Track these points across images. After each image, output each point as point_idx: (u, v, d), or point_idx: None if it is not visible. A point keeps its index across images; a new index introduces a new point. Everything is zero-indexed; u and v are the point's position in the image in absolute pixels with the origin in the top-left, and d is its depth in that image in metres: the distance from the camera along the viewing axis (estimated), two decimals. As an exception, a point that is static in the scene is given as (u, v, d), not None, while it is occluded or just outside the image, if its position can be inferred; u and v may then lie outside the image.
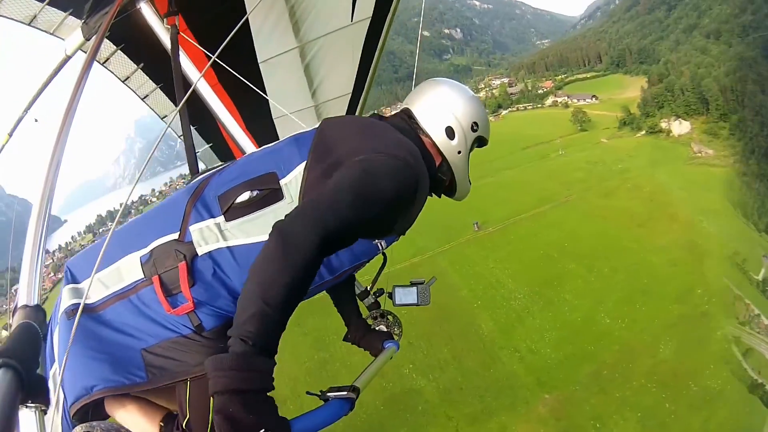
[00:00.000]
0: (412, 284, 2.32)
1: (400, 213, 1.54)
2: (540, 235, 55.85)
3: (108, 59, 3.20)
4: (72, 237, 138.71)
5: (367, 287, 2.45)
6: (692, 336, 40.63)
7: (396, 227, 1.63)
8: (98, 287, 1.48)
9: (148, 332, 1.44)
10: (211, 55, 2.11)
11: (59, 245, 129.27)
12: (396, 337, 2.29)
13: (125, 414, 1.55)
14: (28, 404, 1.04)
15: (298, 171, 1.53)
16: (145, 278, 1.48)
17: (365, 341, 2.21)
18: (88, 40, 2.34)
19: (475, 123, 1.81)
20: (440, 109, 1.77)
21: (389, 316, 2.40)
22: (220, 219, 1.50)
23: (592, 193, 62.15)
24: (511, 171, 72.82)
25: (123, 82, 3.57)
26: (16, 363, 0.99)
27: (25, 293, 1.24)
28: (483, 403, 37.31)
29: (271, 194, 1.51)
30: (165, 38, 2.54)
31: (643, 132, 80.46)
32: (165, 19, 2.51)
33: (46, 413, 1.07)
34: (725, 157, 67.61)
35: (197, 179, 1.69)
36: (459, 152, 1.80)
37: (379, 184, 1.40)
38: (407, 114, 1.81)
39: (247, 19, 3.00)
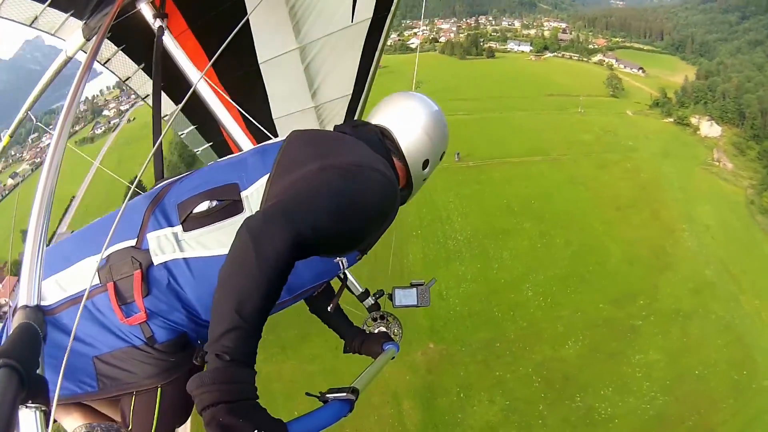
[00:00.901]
0: (412, 285, 2.33)
1: (375, 229, 1.48)
2: (513, 184, 52.78)
3: (109, 60, 3.20)
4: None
5: (366, 288, 2.46)
6: (608, 346, 35.19)
7: (363, 244, 1.56)
8: (55, 289, 1.44)
9: (100, 340, 1.41)
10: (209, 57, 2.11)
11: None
12: (396, 338, 2.29)
13: (71, 421, 1.54)
14: (28, 404, 1.03)
15: (261, 183, 1.47)
16: (100, 284, 1.43)
17: (365, 348, 2.21)
18: (88, 40, 2.34)
19: (443, 153, 1.87)
20: (424, 141, 1.77)
21: (389, 318, 2.40)
22: (178, 229, 1.46)
23: (588, 160, 57.80)
24: (522, 113, 68.39)
25: (124, 82, 3.57)
26: (16, 363, 0.98)
27: (25, 293, 1.24)
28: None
29: (231, 206, 1.46)
30: (165, 39, 2.55)
31: (671, 119, 75.20)
32: (154, 21, 2.50)
33: (46, 413, 1.07)
34: (741, 178, 59.89)
35: (159, 185, 1.65)
36: (424, 179, 1.86)
37: (364, 197, 1.35)
38: (383, 133, 1.75)
39: (247, 20, 3.00)
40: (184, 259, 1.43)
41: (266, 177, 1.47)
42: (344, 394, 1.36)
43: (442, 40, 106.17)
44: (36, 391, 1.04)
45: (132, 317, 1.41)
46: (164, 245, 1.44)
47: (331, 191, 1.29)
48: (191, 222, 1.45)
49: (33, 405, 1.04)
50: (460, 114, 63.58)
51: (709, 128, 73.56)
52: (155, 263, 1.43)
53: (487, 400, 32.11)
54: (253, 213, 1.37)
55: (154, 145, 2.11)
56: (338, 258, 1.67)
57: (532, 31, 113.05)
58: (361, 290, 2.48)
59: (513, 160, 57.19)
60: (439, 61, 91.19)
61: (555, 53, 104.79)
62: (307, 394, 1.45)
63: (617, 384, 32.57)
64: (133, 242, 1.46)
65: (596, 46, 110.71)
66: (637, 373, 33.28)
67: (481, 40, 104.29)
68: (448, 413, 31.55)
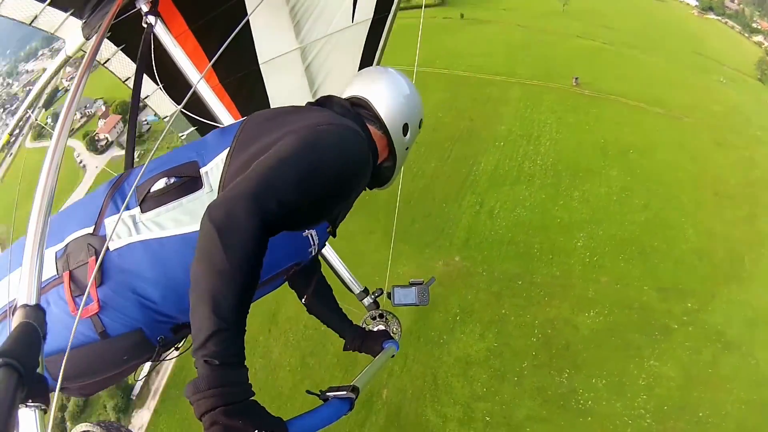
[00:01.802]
0: (411, 284, 2.34)
1: (345, 192, 1.39)
2: (619, 126, 46.69)
3: (109, 59, 3.20)
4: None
5: (365, 287, 2.47)
6: (628, 335, 30.62)
7: (335, 210, 1.50)
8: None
9: (52, 336, 1.30)
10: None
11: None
12: (395, 336, 2.30)
13: None
14: (29, 404, 1.04)
15: (221, 158, 1.42)
16: (57, 275, 1.38)
17: (365, 346, 2.20)
18: (88, 40, 2.34)
19: (421, 120, 1.83)
20: (401, 104, 1.71)
21: (388, 316, 2.41)
22: (136, 211, 1.40)
23: (707, 132, 49.16)
24: (661, 59, 60.67)
25: (123, 82, 3.57)
26: (16, 363, 0.98)
27: (25, 293, 1.24)
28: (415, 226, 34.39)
29: (190, 182, 1.40)
30: (166, 39, 2.55)
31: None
32: (146, 17, 2.48)
33: (46, 413, 1.07)
34: None
35: (122, 174, 1.60)
36: (407, 149, 1.80)
37: (328, 154, 1.28)
38: (358, 102, 1.69)
39: (248, 21, 3.01)
40: (141, 242, 1.37)
41: (225, 152, 1.42)
42: (344, 392, 1.36)
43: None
44: (36, 391, 1.04)
45: (84, 308, 1.33)
46: (120, 229, 1.38)
47: (292, 159, 1.22)
48: (149, 202, 1.40)
49: (33, 404, 1.04)
50: (600, 41, 60.59)
51: None
52: (111, 249, 1.36)
53: (478, 334, 30.22)
54: (215, 196, 1.34)
55: (128, 137, 2.18)
56: (307, 232, 1.60)
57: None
58: (360, 289, 2.49)
59: (630, 102, 50.88)
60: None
61: (719, 17, 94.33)
62: (308, 392, 1.46)
63: (613, 380, 29.07)
64: (90, 229, 1.41)
65: (759, 27, 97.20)
66: (641, 380, 29.16)
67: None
68: (435, 330, 30.53)
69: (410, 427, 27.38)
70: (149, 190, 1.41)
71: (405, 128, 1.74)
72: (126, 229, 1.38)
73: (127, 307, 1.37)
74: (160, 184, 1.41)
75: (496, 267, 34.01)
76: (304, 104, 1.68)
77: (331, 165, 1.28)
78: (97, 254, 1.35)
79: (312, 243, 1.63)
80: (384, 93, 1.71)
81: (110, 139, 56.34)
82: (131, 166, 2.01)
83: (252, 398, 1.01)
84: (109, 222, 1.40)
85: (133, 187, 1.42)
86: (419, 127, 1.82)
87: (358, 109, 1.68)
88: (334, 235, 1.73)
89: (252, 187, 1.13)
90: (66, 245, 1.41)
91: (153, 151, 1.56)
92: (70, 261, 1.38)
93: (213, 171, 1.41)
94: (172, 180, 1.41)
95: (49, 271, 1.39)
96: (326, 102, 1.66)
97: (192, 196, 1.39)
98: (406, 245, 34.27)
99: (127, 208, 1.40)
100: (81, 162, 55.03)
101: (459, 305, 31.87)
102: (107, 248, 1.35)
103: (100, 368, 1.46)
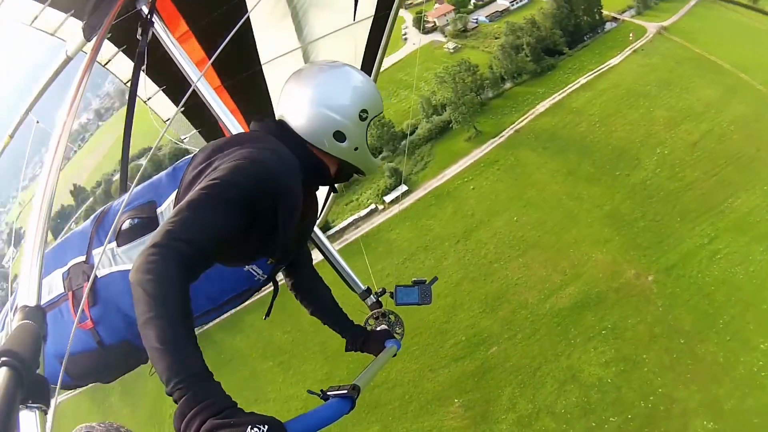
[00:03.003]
0: (414, 284, 2.33)
1: (266, 223, 1.42)
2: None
3: (109, 61, 3.20)
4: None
5: (368, 287, 2.46)
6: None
7: (263, 246, 1.53)
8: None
9: (65, 340, 1.51)
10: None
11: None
12: (397, 336, 2.29)
13: None
14: (29, 404, 1.03)
15: (171, 199, 1.60)
16: (65, 292, 1.68)
17: (367, 346, 2.20)
18: (88, 41, 2.34)
19: (363, 111, 1.64)
20: (318, 114, 1.59)
21: (391, 316, 2.40)
22: (113, 244, 1.64)
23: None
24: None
25: (125, 84, 3.57)
26: (16, 363, 0.98)
27: (25, 293, 1.24)
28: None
29: (149, 222, 1.61)
30: (166, 39, 2.54)
31: None
32: (142, 19, 2.48)
33: (46, 413, 1.06)
34: None
35: (102, 208, 1.85)
36: (356, 149, 1.67)
37: (234, 190, 1.30)
38: (282, 126, 1.65)
39: (249, 20, 3.00)
40: (119, 271, 1.62)
41: (174, 193, 1.59)
42: (345, 391, 1.35)
43: None
44: (36, 391, 1.04)
45: (84, 323, 1.63)
46: (103, 260, 1.63)
47: (202, 198, 1.27)
48: (122, 238, 1.64)
49: (33, 405, 1.04)
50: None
51: None
52: (99, 276, 1.63)
53: (603, 360, 28.43)
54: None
55: (124, 140, 2.40)
56: (246, 267, 1.73)
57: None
58: (363, 288, 2.49)
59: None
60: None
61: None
62: (309, 392, 1.46)
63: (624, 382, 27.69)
64: (83, 258, 1.70)
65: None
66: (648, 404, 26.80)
67: None
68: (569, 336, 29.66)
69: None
70: (119, 228, 1.64)
71: (338, 135, 1.62)
72: (107, 260, 1.63)
73: (115, 323, 1.64)
74: (126, 224, 1.64)
75: (676, 311, 30.30)
76: (248, 130, 1.72)
77: (239, 200, 1.31)
78: (88, 280, 1.61)
79: (256, 274, 1.76)
80: (297, 110, 1.62)
81: (437, 24, 63.03)
82: (125, 190, 2.28)
83: (236, 405, 1.02)
84: (95, 253, 1.68)
85: (115, 223, 1.65)
86: (362, 119, 1.65)
87: (286, 132, 1.62)
88: (283, 263, 1.90)
89: (164, 231, 1.19)
90: (69, 269, 1.71)
91: (151, 153, 1.56)
92: (72, 282, 1.68)
93: (166, 212, 1.60)
94: (136, 221, 1.63)
95: (59, 288, 1.70)
96: (262, 128, 1.66)
97: (151, 235, 1.45)
98: (618, 234, 34.49)
99: (110, 240, 1.64)
100: (405, 34, 62.36)
101: (612, 321, 30.22)
102: (95, 276, 1.61)
103: (101, 370, 1.78)
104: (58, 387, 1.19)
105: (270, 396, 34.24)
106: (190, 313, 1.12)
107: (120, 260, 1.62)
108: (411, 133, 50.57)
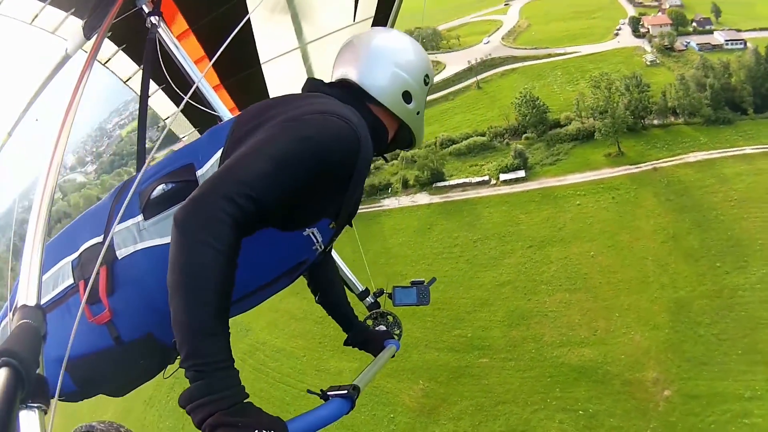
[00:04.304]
0: (412, 285, 2.34)
1: (331, 181, 1.33)
2: None
3: (109, 59, 3.20)
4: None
5: (366, 287, 2.47)
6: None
7: (329, 206, 1.42)
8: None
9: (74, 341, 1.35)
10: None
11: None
12: (396, 337, 2.30)
13: None
14: (29, 404, 1.03)
15: (215, 159, 1.38)
16: (74, 284, 1.42)
17: (366, 343, 2.20)
18: (89, 40, 2.33)
19: (426, 76, 1.65)
20: (390, 73, 1.56)
21: (389, 317, 2.41)
22: (139, 218, 1.40)
23: None
24: None
25: (125, 83, 3.56)
26: (16, 362, 0.98)
27: (25, 293, 1.24)
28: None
29: (186, 187, 1.35)
30: (166, 39, 2.54)
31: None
32: (147, 19, 2.47)
33: (46, 413, 1.06)
34: None
35: (123, 181, 1.62)
36: (418, 113, 1.67)
37: (302, 145, 1.20)
38: (347, 84, 1.59)
39: (249, 20, 3.00)
40: (144, 249, 1.38)
41: (220, 151, 1.38)
42: (345, 391, 1.36)
43: None
44: (36, 391, 1.04)
45: (98, 316, 1.37)
46: (126, 238, 1.39)
47: (270, 149, 1.18)
48: (150, 209, 1.40)
49: (33, 405, 1.04)
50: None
51: None
52: (119, 257, 1.39)
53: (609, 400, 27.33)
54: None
55: (138, 139, 2.16)
56: (307, 230, 1.45)
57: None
58: (361, 289, 2.49)
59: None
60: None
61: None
62: (309, 391, 1.46)
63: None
64: (100, 238, 1.44)
65: None
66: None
67: None
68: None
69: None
70: (149, 197, 1.40)
71: (406, 96, 1.60)
72: (131, 237, 1.39)
73: (137, 313, 1.38)
74: (159, 190, 1.41)
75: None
76: (301, 91, 1.63)
77: (306, 157, 1.20)
78: (107, 264, 1.37)
79: (315, 241, 1.51)
80: (368, 68, 1.57)
81: (651, 32, 60.91)
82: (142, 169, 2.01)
83: (247, 400, 1.01)
84: (118, 230, 1.41)
85: (128, 197, 1.41)
86: (426, 84, 1.66)
87: (349, 90, 1.57)
88: (340, 230, 1.61)
89: (219, 184, 1.09)
90: (80, 254, 1.45)
91: (151, 155, 1.56)
92: (84, 270, 1.41)
93: (208, 174, 1.37)
94: (170, 186, 1.40)
95: (68, 279, 1.43)
96: (320, 87, 1.59)
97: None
98: (671, 329, 31.03)
99: (131, 215, 1.41)
100: (619, 29, 62.69)
101: (597, 409, 28.15)
102: (116, 257, 1.38)
103: (118, 372, 1.48)
104: (58, 387, 1.18)
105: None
106: (231, 289, 1.04)
107: (148, 235, 1.38)
108: (560, 126, 49.29)
